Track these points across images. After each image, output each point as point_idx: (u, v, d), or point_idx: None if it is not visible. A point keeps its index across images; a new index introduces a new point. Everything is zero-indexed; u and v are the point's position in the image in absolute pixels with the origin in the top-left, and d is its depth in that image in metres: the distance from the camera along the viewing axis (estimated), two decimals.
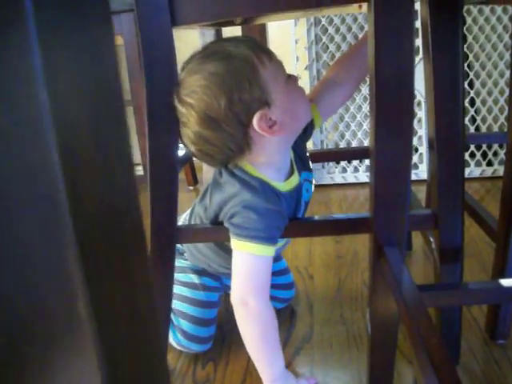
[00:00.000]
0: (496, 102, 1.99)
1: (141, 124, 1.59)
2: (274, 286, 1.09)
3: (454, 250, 0.85)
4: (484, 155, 2.03)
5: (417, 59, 1.84)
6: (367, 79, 0.89)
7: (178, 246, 1.04)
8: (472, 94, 1.99)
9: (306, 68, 2.01)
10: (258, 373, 0.85)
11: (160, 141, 0.83)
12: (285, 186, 0.88)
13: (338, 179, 2.10)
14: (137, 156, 1.62)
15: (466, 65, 1.96)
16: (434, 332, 0.54)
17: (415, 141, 2.02)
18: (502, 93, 1.98)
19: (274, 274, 1.06)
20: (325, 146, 2.10)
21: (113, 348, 0.24)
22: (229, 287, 0.85)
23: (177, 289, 1.03)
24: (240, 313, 0.84)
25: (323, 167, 2.10)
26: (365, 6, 0.74)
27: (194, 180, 2.24)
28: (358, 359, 0.98)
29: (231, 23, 1.03)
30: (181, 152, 0.90)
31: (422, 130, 2.01)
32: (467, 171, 1.98)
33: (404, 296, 0.63)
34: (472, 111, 2.01)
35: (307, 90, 1.09)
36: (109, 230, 0.25)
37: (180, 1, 0.76)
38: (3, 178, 0.21)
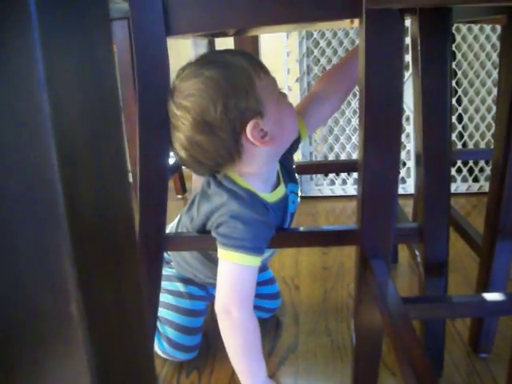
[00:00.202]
0: (483, 119, 2.02)
1: (131, 131, 1.59)
2: (259, 296, 1.10)
3: (438, 264, 0.86)
4: (470, 171, 2.05)
5: (406, 75, 1.86)
6: (357, 92, 0.90)
7: (165, 255, 1.04)
8: (460, 110, 2.01)
9: (296, 80, 2.02)
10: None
11: (151, 148, 0.83)
12: (271, 196, 0.89)
13: (326, 191, 2.11)
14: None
15: (454, 82, 1.99)
16: (418, 343, 0.55)
17: (403, 155, 2.04)
18: (489, 110, 2.00)
19: (260, 283, 1.06)
20: (314, 158, 2.11)
21: (103, 348, 0.25)
22: (214, 297, 0.85)
23: (163, 297, 1.03)
24: (223, 322, 0.84)
25: (311, 179, 2.11)
26: (356, 21, 0.75)
27: (182, 189, 2.24)
28: (342, 370, 0.99)
29: (224, 34, 1.04)
30: (170, 160, 0.90)
31: (410, 145, 2.02)
32: (454, 187, 2.00)
33: (389, 308, 0.64)
34: (459, 127, 2.03)
35: (297, 103, 1.10)
36: (102, 233, 0.25)
37: (174, 11, 0.77)
38: (1, 178, 0.22)
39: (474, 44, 1.96)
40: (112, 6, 1.48)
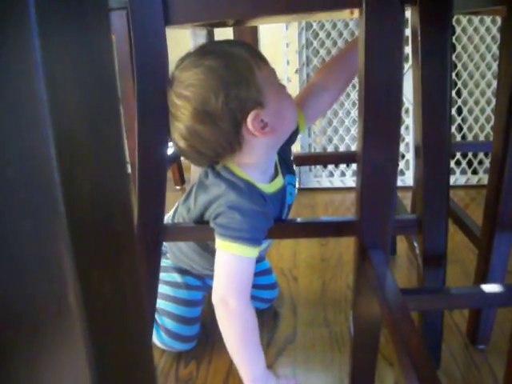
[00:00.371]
0: (483, 111, 2.02)
1: (130, 122, 1.58)
2: (256, 287, 1.10)
3: (437, 256, 0.87)
4: (469, 163, 2.05)
5: (406, 66, 1.86)
6: (356, 84, 0.90)
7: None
8: (459, 102, 2.01)
9: (296, 71, 2.02)
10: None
11: (149, 139, 0.83)
12: (269, 187, 0.89)
13: (325, 183, 2.11)
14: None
15: (454, 74, 1.99)
16: (416, 334, 0.55)
17: (402, 147, 2.04)
18: (488, 102, 2.00)
19: (257, 274, 1.06)
20: (312, 150, 2.11)
21: (101, 338, 0.25)
22: (211, 288, 0.85)
23: (160, 287, 1.03)
24: (220, 313, 0.84)
25: (310, 171, 2.11)
26: (356, 11, 0.75)
27: (181, 179, 2.24)
28: (340, 361, 0.99)
29: (223, 24, 1.03)
30: (169, 151, 0.90)
31: (409, 137, 2.02)
32: (453, 179, 2.00)
33: (387, 299, 0.64)
34: (459, 120, 2.03)
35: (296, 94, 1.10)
36: (100, 223, 0.25)
37: (173, 1, 0.76)
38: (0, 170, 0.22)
39: (474, 36, 1.96)
40: None
